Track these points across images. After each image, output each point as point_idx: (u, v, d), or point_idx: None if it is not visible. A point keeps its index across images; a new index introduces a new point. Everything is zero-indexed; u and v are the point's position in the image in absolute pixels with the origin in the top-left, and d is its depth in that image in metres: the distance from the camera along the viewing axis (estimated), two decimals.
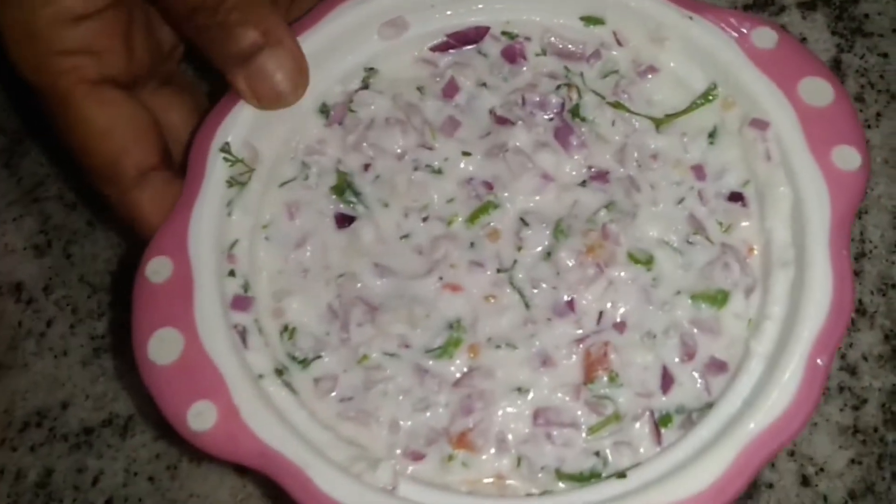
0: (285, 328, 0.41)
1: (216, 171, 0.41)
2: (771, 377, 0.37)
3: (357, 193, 0.43)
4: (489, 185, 0.43)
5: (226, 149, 0.41)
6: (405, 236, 0.42)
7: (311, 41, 0.43)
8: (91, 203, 0.52)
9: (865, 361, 0.44)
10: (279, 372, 0.40)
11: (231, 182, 0.42)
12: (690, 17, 0.42)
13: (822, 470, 0.43)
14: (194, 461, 0.45)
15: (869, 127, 0.49)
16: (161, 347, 0.38)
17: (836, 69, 0.50)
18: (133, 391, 0.47)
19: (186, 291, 0.39)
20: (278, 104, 0.42)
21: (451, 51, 0.45)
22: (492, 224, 0.42)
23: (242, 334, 0.40)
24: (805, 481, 0.42)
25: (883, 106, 0.50)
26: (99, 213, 0.52)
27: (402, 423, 0.39)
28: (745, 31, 0.41)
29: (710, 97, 0.43)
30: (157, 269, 0.39)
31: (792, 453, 0.43)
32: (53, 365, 0.48)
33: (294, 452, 0.36)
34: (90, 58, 0.40)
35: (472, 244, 0.42)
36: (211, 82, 0.50)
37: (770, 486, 0.43)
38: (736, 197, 0.42)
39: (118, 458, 0.46)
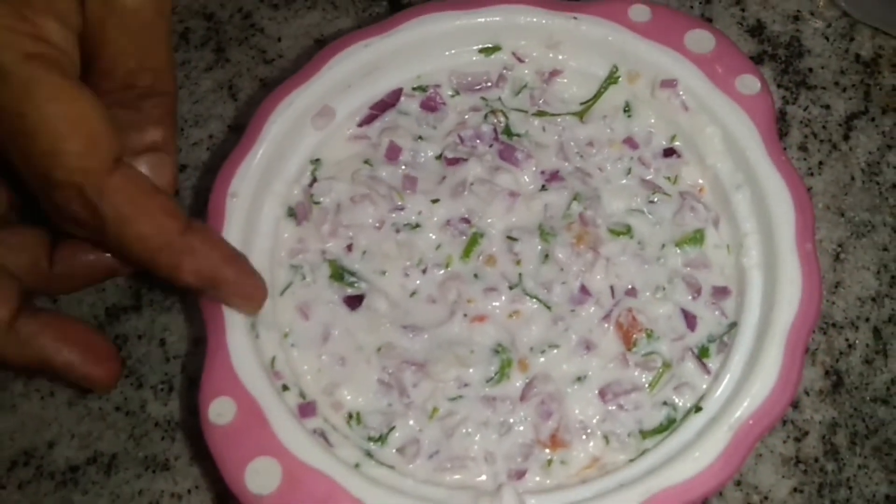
0: (350, 416, 0.43)
1: None
2: (776, 275, 0.42)
3: (353, 273, 0.45)
4: (467, 220, 0.46)
5: None
6: (413, 293, 0.45)
7: (264, 148, 0.45)
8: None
9: (807, 396, 0.47)
10: (369, 455, 0.41)
11: None
12: (575, 18, 0.48)
13: (766, 498, 0.45)
14: (175, 496, 0.46)
15: (812, 175, 0.51)
16: (259, 478, 0.39)
17: (781, 120, 0.53)
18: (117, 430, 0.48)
19: (260, 420, 0.40)
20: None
21: (375, 121, 0.49)
22: (484, 252, 0.46)
23: (323, 436, 0.41)
24: None
25: (825, 155, 0.52)
26: None
27: (494, 451, 0.42)
28: (623, 13, 0.48)
29: (614, 78, 0.48)
30: (219, 411, 0.40)
31: (738, 483, 0.45)
32: (40, 406, 0.48)
33: None
34: None
35: (475, 275, 0.45)
36: None
37: None
38: (669, 152, 0.48)
39: (103, 494, 0.46)
